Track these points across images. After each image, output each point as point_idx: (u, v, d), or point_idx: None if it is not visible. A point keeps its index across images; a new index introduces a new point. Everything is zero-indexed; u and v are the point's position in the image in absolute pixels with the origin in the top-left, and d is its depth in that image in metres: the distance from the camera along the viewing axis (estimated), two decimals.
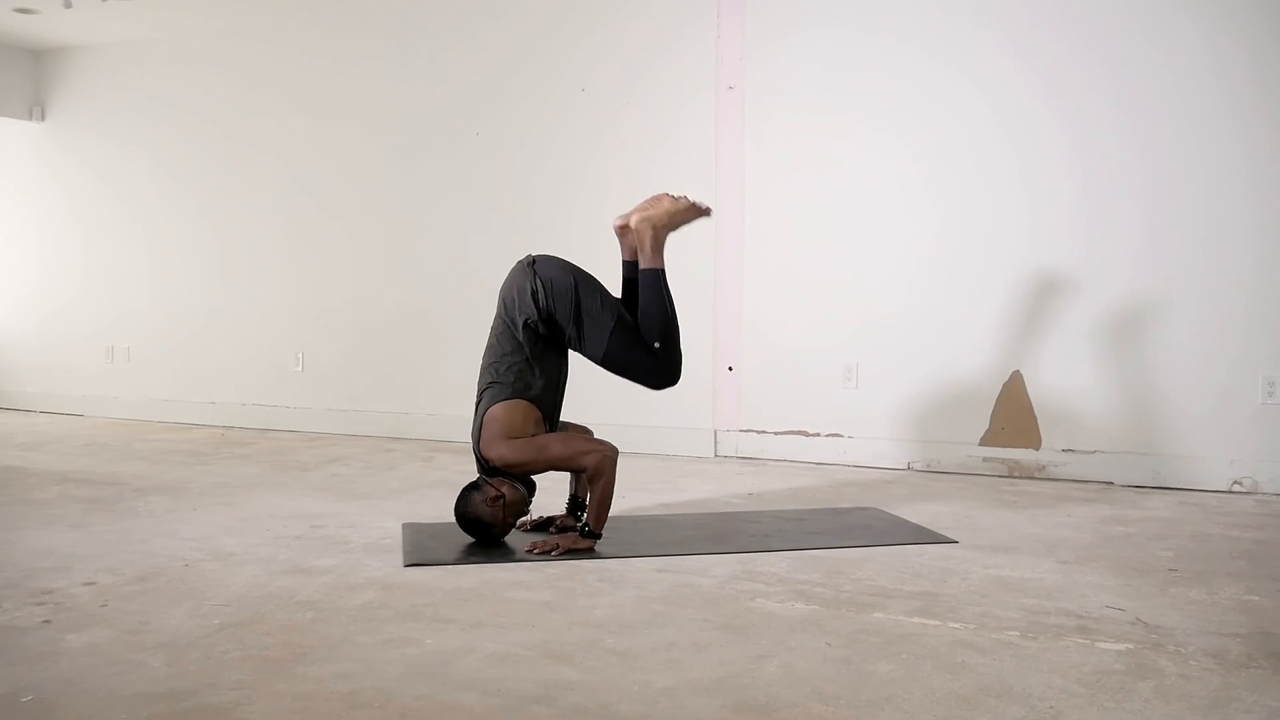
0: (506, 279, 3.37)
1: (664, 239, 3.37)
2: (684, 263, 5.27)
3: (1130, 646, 2.32)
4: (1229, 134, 4.28)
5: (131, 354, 7.02)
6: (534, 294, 3.25)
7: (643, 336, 3.31)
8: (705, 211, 3.45)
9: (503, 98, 5.74)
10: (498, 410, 3.21)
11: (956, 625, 2.46)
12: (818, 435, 5.03)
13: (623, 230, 3.41)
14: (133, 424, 6.71)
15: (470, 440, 3.32)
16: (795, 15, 5.04)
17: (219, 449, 5.56)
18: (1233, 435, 4.28)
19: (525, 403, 3.23)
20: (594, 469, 3.17)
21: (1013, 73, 4.63)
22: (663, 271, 3.35)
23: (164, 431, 6.33)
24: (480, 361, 3.39)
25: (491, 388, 3.26)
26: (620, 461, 3.26)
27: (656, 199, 3.41)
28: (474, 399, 3.36)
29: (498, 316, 3.35)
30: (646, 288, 3.33)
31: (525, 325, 3.25)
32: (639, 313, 3.33)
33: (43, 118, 7.32)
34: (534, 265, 3.32)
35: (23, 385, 7.51)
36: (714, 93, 5.22)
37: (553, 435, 3.28)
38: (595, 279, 3.37)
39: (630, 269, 3.42)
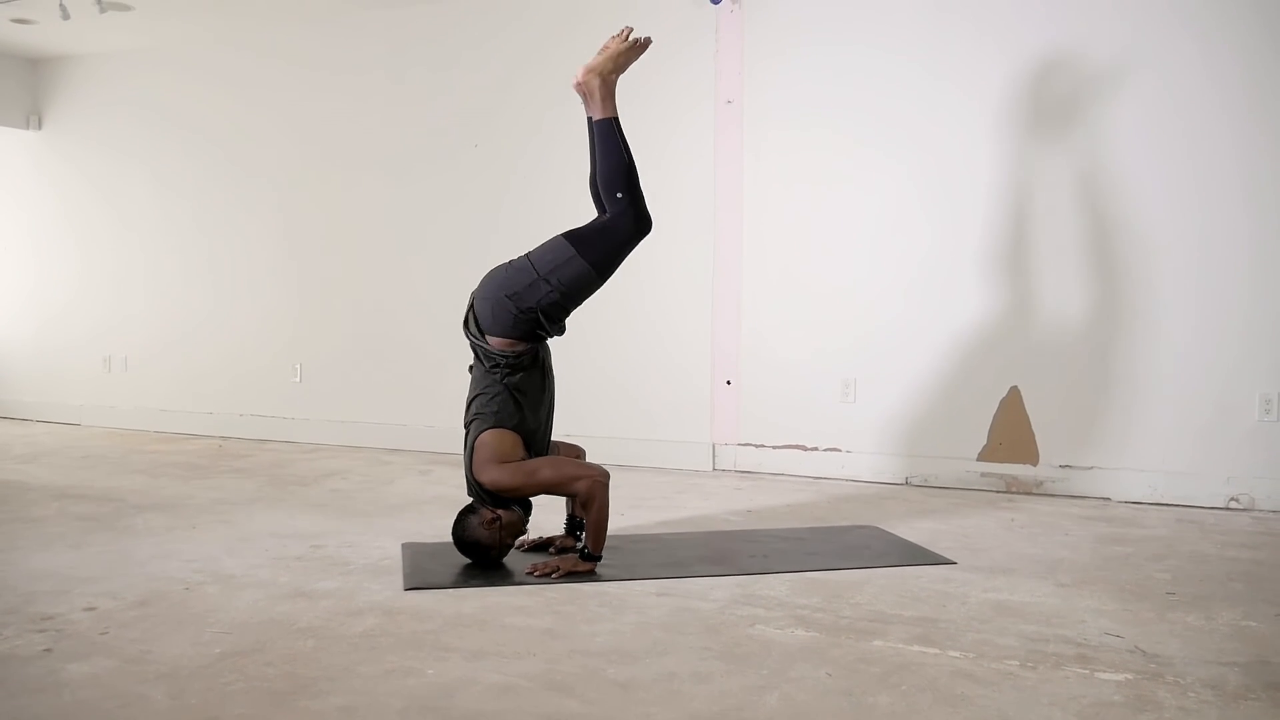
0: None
1: (613, 84, 3.36)
2: (682, 277, 5.33)
3: (1129, 677, 2.33)
4: (1226, 149, 4.29)
5: (128, 363, 7.02)
6: (496, 350, 3.26)
7: (601, 226, 3.33)
8: (646, 42, 3.42)
9: (502, 109, 5.74)
10: (486, 437, 3.23)
11: (956, 654, 2.47)
12: (816, 449, 5.04)
13: (579, 89, 3.39)
14: (130, 434, 6.70)
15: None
16: (794, 30, 5.04)
17: (217, 461, 5.55)
18: (1229, 452, 4.30)
19: (510, 431, 3.25)
20: (585, 495, 3.18)
21: (1009, 87, 4.64)
22: (615, 119, 3.35)
23: (161, 442, 6.33)
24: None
25: (477, 419, 3.27)
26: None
27: (603, 47, 3.39)
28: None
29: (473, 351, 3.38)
30: (603, 138, 3.33)
31: (494, 367, 3.28)
32: (598, 164, 3.34)
33: (39, 126, 7.31)
34: (472, 308, 3.33)
35: (19, 394, 7.50)
36: (713, 106, 5.23)
37: (543, 459, 3.30)
38: (521, 255, 3.39)
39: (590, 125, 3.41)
